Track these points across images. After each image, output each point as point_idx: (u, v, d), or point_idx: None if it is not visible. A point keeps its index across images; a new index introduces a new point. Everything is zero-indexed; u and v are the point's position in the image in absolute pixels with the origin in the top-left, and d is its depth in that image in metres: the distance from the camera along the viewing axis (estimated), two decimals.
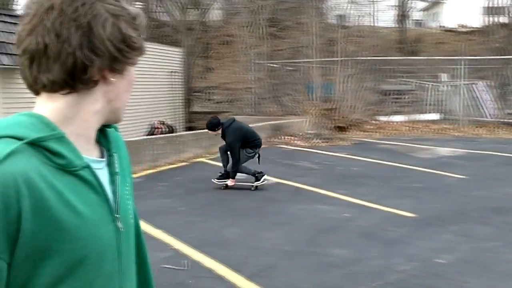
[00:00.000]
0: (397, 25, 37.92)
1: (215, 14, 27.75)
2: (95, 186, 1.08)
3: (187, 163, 11.80)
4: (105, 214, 1.10)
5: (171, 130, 16.96)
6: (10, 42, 10.49)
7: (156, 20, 30.78)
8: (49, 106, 1.08)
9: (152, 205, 7.96)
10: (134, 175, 10.02)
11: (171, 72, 18.87)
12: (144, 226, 6.75)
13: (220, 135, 9.23)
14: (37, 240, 0.96)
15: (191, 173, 10.67)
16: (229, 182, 9.23)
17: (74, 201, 1.01)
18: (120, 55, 1.08)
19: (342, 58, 19.54)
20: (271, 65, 21.85)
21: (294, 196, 8.74)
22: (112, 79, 1.10)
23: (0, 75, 10.57)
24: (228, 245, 6.08)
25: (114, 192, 1.15)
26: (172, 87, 18.97)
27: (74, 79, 1.04)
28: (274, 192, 9.01)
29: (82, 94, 1.08)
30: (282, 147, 14.92)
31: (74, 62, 1.02)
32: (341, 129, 18.00)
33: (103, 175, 1.14)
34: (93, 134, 1.14)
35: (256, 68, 21.90)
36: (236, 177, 9.21)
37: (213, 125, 9.20)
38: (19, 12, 11.64)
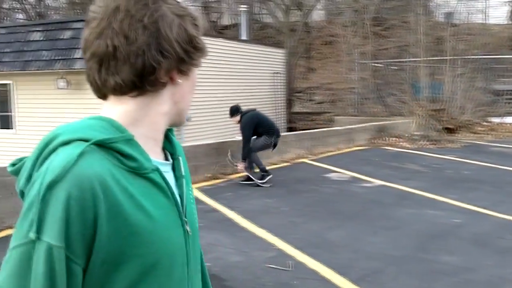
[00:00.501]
0: (510, 22, 35.68)
1: (317, 15, 27.61)
2: (165, 189, 1.05)
3: (290, 164, 11.80)
4: (175, 217, 1.08)
5: None
6: None
7: (259, 22, 31.20)
8: (118, 109, 1.06)
9: (256, 205, 8.02)
10: (238, 175, 10.19)
11: (274, 73, 18.99)
12: (248, 225, 6.81)
13: (239, 121, 9.60)
14: (112, 245, 0.94)
15: (293, 174, 10.65)
16: (240, 165, 9.55)
17: (146, 205, 0.99)
18: (186, 56, 1.07)
19: (451, 57, 18.68)
20: (375, 64, 21.34)
21: (400, 199, 8.44)
22: (179, 80, 1.09)
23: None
24: (332, 248, 5.97)
25: (181, 196, 1.13)
26: (274, 88, 19.09)
27: (142, 81, 1.03)
28: (379, 195, 8.76)
29: (151, 96, 1.06)
30: (387, 149, 14.50)
31: (143, 64, 1.01)
32: (449, 130, 17.19)
33: (170, 179, 1.12)
34: (161, 136, 1.12)
35: (359, 67, 21.51)
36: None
37: (231, 111, 9.67)
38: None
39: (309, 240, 6.22)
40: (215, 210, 7.71)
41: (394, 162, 12.23)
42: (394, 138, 15.78)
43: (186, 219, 1.11)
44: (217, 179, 9.95)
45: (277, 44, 22.90)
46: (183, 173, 1.17)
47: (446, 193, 8.67)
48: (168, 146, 1.19)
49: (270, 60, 18.84)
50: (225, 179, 9.99)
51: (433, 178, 10.21)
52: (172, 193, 1.07)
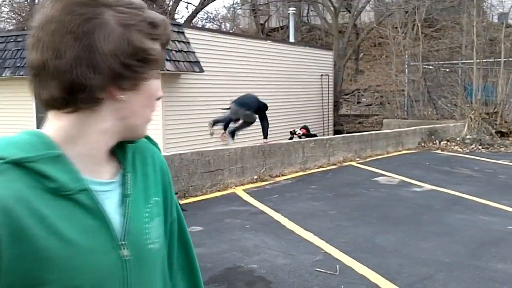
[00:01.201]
0: None
1: (367, 16, 27.30)
2: (93, 211, 0.97)
3: (337, 167, 11.70)
4: (105, 241, 0.98)
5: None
6: (174, 49, 11.21)
7: (308, 24, 31.10)
8: (54, 124, 0.99)
9: (302, 208, 7.99)
10: (285, 177, 10.19)
11: (321, 75, 18.89)
12: (295, 228, 6.79)
13: None
14: (18, 269, 0.88)
15: (341, 177, 10.55)
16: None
17: (63, 228, 0.92)
18: (127, 71, 0.97)
19: (505, 59, 18.10)
20: (426, 66, 20.92)
21: (452, 204, 8.23)
22: (121, 96, 0.99)
23: (164, 79, 11.33)
24: (381, 253, 5.88)
25: (124, 215, 1.03)
26: (321, 90, 18.99)
27: (73, 98, 0.95)
28: (429, 199, 8.57)
29: (87, 112, 0.98)
30: (438, 153, 14.18)
31: (70, 80, 0.93)
32: (503, 134, 16.66)
33: (112, 197, 1.03)
34: (101, 154, 1.03)
35: (409, 69, 21.12)
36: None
37: None
38: (181, 21, 12.38)
39: (357, 245, 6.15)
40: (261, 212, 7.72)
41: (445, 166, 11.94)
42: (445, 142, 15.41)
43: (124, 242, 1.01)
44: (263, 181, 9.97)
45: (325, 46, 22.79)
46: (129, 191, 1.06)
47: (500, 199, 8.40)
48: (123, 160, 1.10)
49: (318, 62, 18.75)
50: (272, 181, 9.99)
51: (486, 184, 9.92)
52: (104, 215, 0.99)
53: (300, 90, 17.26)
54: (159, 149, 1.20)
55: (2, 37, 14.08)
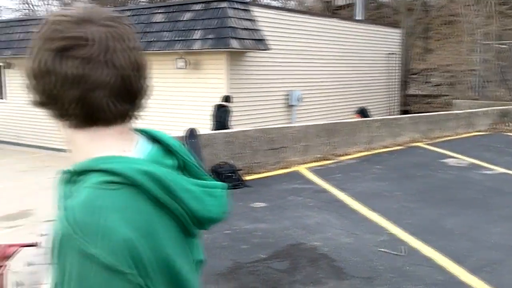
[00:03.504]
0: None
1: None
2: None
3: (403, 147, 11.43)
4: None
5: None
6: (239, 27, 11.22)
7: (375, 1, 30.32)
8: None
9: (367, 187, 7.88)
10: (349, 156, 10.08)
11: (389, 54, 18.42)
12: (359, 207, 6.72)
13: None
14: None
15: (407, 158, 10.32)
16: None
17: None
18: None
19: None
20: (500, 45, 19.98)
21: None
22: None
23: (230, 57, 11.38)
24: (448, 235, 5.73)
25: None
26: (388, 69, 18.54)
27: None
28: (500, 183, 8.25)
29: None
30: (510, 135, 13.60)
31: None
32: None
33: None
34: None
35: (482, 49, 20.25)
36: None
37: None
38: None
39: (423, 226, 6.02)
40: (325, 191, 7.68)
41: None
42: None
43: None
44: (327, 160, 9.89)
45: (393, 24, 22.15)
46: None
47: None
48: None
49: (385, 41, 18.28)
50: (335, 160, 9.90)
51: None
52: None
53: (366, 69, 16.93)
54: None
55: None
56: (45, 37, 0.99)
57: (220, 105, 10.34)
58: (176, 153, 1.11)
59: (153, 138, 1.11)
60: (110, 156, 1.00)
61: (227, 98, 10.50)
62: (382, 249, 5.27)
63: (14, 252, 4.12)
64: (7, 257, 4.05)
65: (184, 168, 1.11)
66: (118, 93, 0.99)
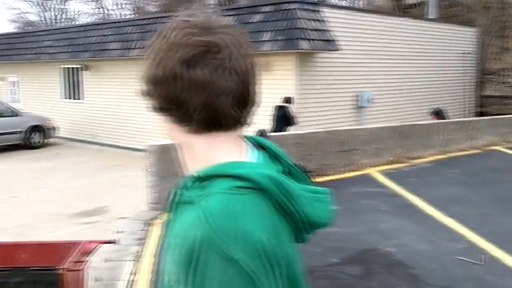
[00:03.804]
0: None
1: None
2: None
3: (481, 151, 10.98)
4: None
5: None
6: (309, 28, 11.15)
7: None
8: None
9: (443, 192, 7.62)
10: (423, 160, 9.81)
11: (463, 53, 17.78)
12: (435, 213, 6.50)
13: None
14: None
15: (485, 162, 9.90)
16: None
17: None
18: None
19: None
20: None
21: None
22: None
23: (299, 58, 11.33)
24: None
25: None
26: (463, 70, 17.89)
27: None
28: None
29: None
30: None
31: None
32: None
33: None
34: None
35: None
36: None
37: None
38: (315, 0, 12.27)
39: (505, 235, 5.74)
40: (398, 195, 7.49)
41: None
42: None
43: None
44: (400, 163, 9.65)
45: (467, 23, 21.37)
46: (169, 205, 1.10)
47: None
48: None
49: (460, 40, 17.66)
50: (409, 164, 9.64)
51: None
52: None
53: (439, 69, 16.41)
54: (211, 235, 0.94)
55: (149, 18, 14.95)
56: (173, 43, 1.00)
57: (280, 106, 10.32)
58: (281, 159, 1.12)
59: (257, 144, 1.13)
60: (236, 162, 1.02)
61: (288, 100, 10.47)
62: (461, 257, 5.07)
63: (94, 248, 4.24)
64: (88, 253, 4.17)
65: (288, 174, 1.11)
66: (238, 99, 1.01)
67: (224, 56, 0.98)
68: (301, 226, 1.03)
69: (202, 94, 0.98)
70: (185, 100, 0.99)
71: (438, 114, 12.79)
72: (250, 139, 1.12)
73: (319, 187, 1.11)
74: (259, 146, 1.12)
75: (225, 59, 0.98)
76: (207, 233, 0.90)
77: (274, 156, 1.12)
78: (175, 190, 1.07)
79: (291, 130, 9.97)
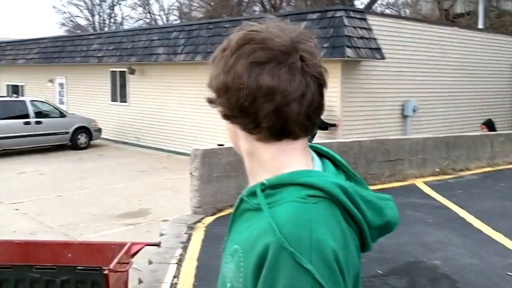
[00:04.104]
0: None
1: None
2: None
3: None
4: None
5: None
6: (355, 36, 11.06)
7: (497, 8, 28.71)
8: None
9: (491, 206, 7.42)
10: (470, 172, 9.58)
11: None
12: (482, 227, 6.33)
13: None
14: None
15: None
16: None
17: None
18: None
19: None
20: None
21: None
22: None
23: (344, 66, 11.25)
24: None
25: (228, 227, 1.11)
26: (511, 80, 17.40)
27: None
28: None
29: None
30: None
31: None
32: None
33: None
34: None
35: None
36: None
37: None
38: (361, 8, 12.16)
39: None
40: (444, 207, 7.33)
41: None
42: None
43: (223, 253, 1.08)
44: (446, 174, 9.44)
45: None
46: (234, 211, 1.10)
47: None
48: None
49: (508, 50, 17.19)
50: (455, 175, 9.43)
51: None
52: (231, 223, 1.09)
53: (486, 79, 16.00)
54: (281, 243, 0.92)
55: (195, 24, 15.12)
56: (241, 51, 1.00)
57: None
58: (343, 167, 1.13)
59: (320, 153, 1.12)
60: (307, 170, 1.02)
61: None
62: (510, 273, 4.90)
63: (138, 250, 4.28)
64: (132, 255, 4.21)
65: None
66: (308, 108, 1.00)
67: (294, 61, 0.98)
68: (367, 234, 1.02)
69: (272, 101, 0.97)
70: (255, 107, 0.99)
71: (490, 124, 12.46)
72: (311, 147, 1.12)
73: (384, 194, 1.13)
74: (321, 154, 1.12)
75: (296, 64, 0.98)
76: (280, 241, 0.89)
77: (335, 164, 1.12)
78: (240, 197, 1.07)
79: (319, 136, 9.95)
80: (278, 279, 0.88)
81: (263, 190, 1.00)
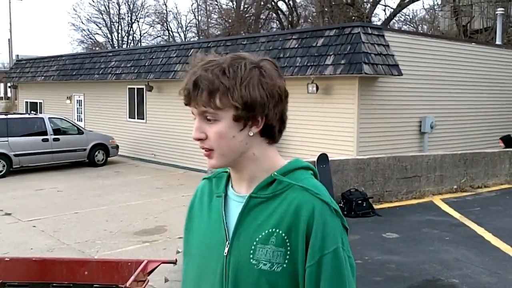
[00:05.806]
0: None
1: None
2: (217, 210, 1.40)
3: None
4: (218, 232, 1.36)
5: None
6: (372, 52, 11.06)
7: None
8: None
9: (510, 223, 7.32)
10: (488, 189, 9.45)
11: None
12: (501, 245, 6.24)
13: None
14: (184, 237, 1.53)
15: None
16: None
17: (204, 213, 1.43)
18: None
19: None
20: None
21: None
22: None
23: (361, 82, 11.24)
24: None
25: (236, 224, 1.34)
26: None
27: None
28: None
29: None
30: None
31: None
32: None
33: (234, 207, 1.38)
34: (241, 175, 1.39)
35: None
36: None
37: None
38: (378, 24, 12.15)
39: None
40: (462, 225, 7.24)
41: None
42: None
43: (228, 242, 1.32)
44: (463, 191, 9.34)
45: None
46: (241, 210, 1.34)
47: None
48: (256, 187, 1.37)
49: None
50: (473, 192, 9.32)
51: None
52: (221, 215, 1.37)
53: (505, 95, 15.85)
54: (322, 201, 1.31)
55: (213, 41, 15.25)
56: (263, 75, 1.36)
57: None
58: None
59: None
60: (297, 159, 1.41)
61: None
62: None
63: (154, 268, 4.29)
64: (148, 272, 4.23)
65: None
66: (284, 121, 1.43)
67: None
68: None
69: (282, 114, 1.41)
70: (275, 118, 1.37)
71: (507, 141, 12.27)
72: None
73: None
74: None
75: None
76: (326, 200, 1.29)
77: None
78: (248, 197, 1.34)
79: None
80: (329, 225, 1.26)
81: (277, 177, 1.33)
